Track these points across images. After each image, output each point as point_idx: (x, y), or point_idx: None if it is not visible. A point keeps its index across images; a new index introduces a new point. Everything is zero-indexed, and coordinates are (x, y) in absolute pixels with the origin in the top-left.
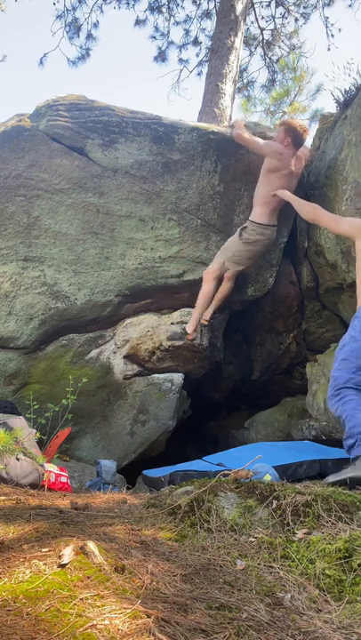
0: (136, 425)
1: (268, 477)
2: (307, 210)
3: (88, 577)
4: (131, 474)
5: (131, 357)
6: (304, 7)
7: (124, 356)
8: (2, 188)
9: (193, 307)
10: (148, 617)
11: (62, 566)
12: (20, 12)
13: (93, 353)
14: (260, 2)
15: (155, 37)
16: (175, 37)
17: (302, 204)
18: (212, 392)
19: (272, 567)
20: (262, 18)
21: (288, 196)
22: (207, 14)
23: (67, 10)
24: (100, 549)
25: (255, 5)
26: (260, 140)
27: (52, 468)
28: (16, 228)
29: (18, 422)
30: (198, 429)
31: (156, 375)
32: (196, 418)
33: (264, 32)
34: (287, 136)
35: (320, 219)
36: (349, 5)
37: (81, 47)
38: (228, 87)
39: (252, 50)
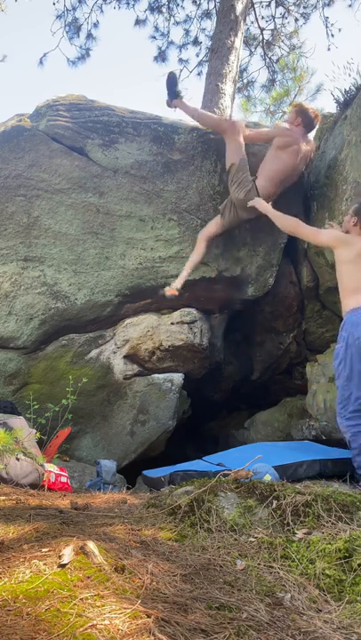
0: (136, 425)
1: (268, 477)
2: (288, 223)
3: (88, 577)
4: (131, 474)
5: (131, 357)
6: (304, 7)
7: (124, 356)
8: (2, 188)
9: (193, 307)
10: (148, 617)
11: (62, 566)
12: (20, 12)
13: (93, 353)
14: (260, 2)
15: (155, 37)
16: (175, 37)
17: (281, 217)
18: (212, 392)
19: (272, 567)
20: (262, 18)
21: (267, 209)
22: (207, 14)
23: (67, 10)
24: (100, 549)
25: (255, 5)
26: (265, 129)
27: (52, 468)
28: (16, 228)
29: (18, 422)
30: (198, 429)
31: (156, 375)
32: (196, 418)
33: (264, 32)
34: (298, 116)
35: (300, 231)
36: (349, 5)
37: (81, 47)
38: (228, 87)
39: (252, 50)
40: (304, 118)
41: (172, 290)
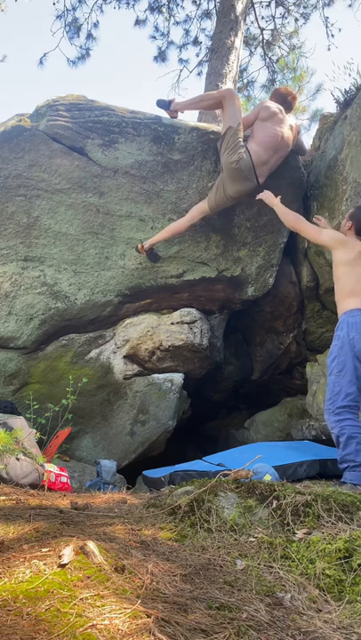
0: (136, 425)
1: (268, 477)
2: (290, 219)
3: (88, 577)
4: (131, 474)
5: (131, 357)
6: (304, 7)
7: (124, 356)
8: (2, 188)
9: (193, 307)
10: (148, 617)
11: (62, 566)
12: (20, 12)
13: (93, 353)
14: (260, 2)
15: (155, 37)
16: (175, 37)
17: (286, 212)
18: (212, 392)
19: (272, 567)
20: (262, 18)
21: (274, 202)
22: (207, 14)
23: (67, 10)
24: (100, 549)
25: (255, 5)
26: (247, 114)
27: (52, 467)
28: (16, 228)
29: (18, 422)
30: (198, 429)
31: (156, 375)
32: (195, 418)
33: (264, 32)
34: (271, 98)
35: (301, 228)
36: (349, 5)
37: (81, 47)
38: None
39: (252, 50)
40: (277, 98)
41: (140, 245)
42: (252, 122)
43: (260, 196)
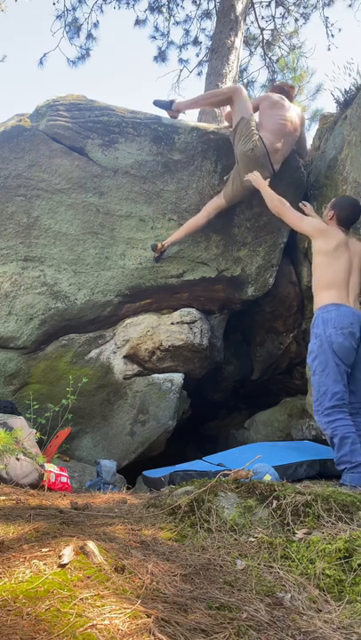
0: (136, 425)
1: (268, 477)
2: (275, 204)
3: (88, 577)
4: (131, 474)
5: (131, 357)
6: (304, 7)
7: (124, 356)
8: (2, 188)
9: (193, 307)
10: (148, 617)
11: (62, 566)
12: (20, 12)
13: (93, 353)
14: (260, 2)
15: (155, 37)
16: (175, 37)
17: (272, 196)
18: (212, 392)
19: (272, 567)
20: (262, 18)
21: (260, 184)
22: (207, 14)
23: (67, 10)
24: (100, 549)
25: (255, 5)
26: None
27: (52, 467)
28: (16, 228)
29: (18, 422)
30: (198, 429)
31: (156, 375)
32: (195, 418)
33: (264, 32)
34: (273, 92)
35: (285, 214)
36: (349, 5)
37: (81, 47)
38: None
39: (252, 50)
40: (276, 90)
41: (160, 244)
42: (248, 107)
43: (248, 176)
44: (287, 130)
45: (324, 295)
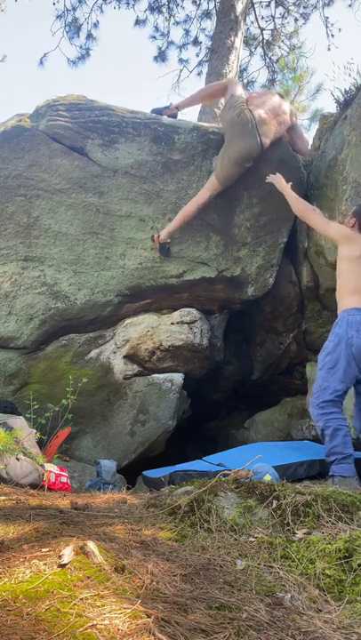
0: (136, 425)
1: (268, 477)
2: (300, 207)
3: (88, 577)
4: (131, 474)
5: (131, 357)
6: (304, 7)
7: (124, 356)
8: (2, 188)
9: (193, 307)
10: (148, 617)
11: (62, 566)
12: (20, 12)
13: (93, 353)
14: (260, 2)
15: (155, 37)
16: (175, 37)
17: (297, 199)
18: (212, 392)
19: (272, 567)
20: (262, 18)
21: (284, 186)
22: (207, 14)
23: (67, 10)
24: (100, 549)
25: (255, 5)
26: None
27: (52, 468)
28: (16, 228)
29: (18, 422)
30: (198, 429)
31: (156, 375)
32: (195, 418)
33: (264, 32)
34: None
35: (310, 217)
36: (349, 5)
37: (81, 47)
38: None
39: (252, 50)
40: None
41: (156, 236)
42: (242, 94)
43: (270, 178)
44: (277, 108)
45: (351, 299)
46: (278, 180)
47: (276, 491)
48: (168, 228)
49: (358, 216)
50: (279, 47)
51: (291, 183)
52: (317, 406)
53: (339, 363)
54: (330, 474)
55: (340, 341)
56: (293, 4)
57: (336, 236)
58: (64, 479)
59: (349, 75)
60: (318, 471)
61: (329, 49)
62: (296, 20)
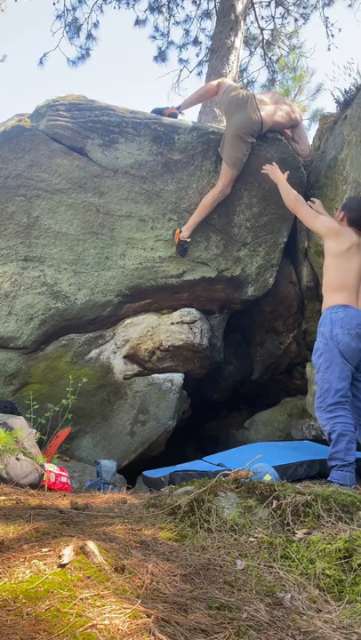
0: (136, 425)
1: (268, 477)
2: (291, 198)
3: (88, 577)
4: (131, 474)
5: (131, 357)
6: (304, 7)
7: (124, 356)
8: (2, 188)
9: (193, 307)
10: (148, 617)
11: (62, 566)
12: (20, 12)
13: (93, 353)
14: (260, 2)
15: (155, 37)
16: (175, 37)
17: (289, 191)
18: (212, 392)
19: (272, 567)
20: (262, 18)
21: (278, 177)
22: (207, 14)
23: (67, 10)
24: (100, 549)
25: (255, 5)
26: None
27: (52, 468)
28: (16, 228)
29: (18, 422)
30: (198, 429)
31: (156, 375)
32: (196, 418)
33: (264, 32)
34: None
35: (300, 210)
36: (349, 5)
37: (81, 47)
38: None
39: (252, 50)
40: None
41: (177, 231)
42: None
43: (266, 168)
44: (278, 98)
45: (334, 296)
46: (273, 171)
47: (276, 491)
48: (188, 223)
49: (347, 209)
50: (279, 47)
51: (287, 173)
52: (324, 410)
53: (333, 362)
54: (329, 479)
55: (328, 341)
56: (293, 4)
57: (323, 229)
58: (64, 479)
59: (349, 75)
60: (318, 471)
61: (329, 49)
62: (296, 20)
